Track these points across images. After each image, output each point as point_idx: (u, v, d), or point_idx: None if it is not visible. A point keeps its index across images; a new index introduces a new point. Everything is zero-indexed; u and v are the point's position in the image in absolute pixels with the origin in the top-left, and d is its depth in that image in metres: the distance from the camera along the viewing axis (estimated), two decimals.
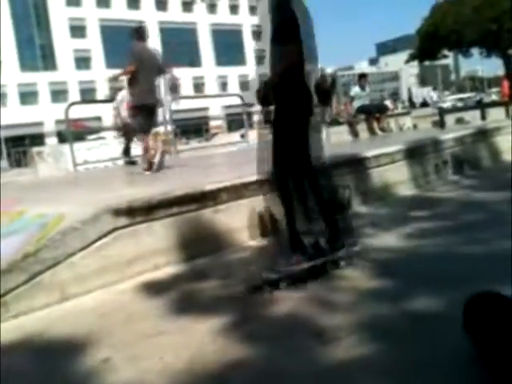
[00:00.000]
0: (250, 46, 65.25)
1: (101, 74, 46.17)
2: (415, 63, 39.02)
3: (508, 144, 6.91)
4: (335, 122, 9.96)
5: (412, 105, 26.83)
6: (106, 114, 15.64)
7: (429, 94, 36.83)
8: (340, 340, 2.06)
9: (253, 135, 15.76)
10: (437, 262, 2.98)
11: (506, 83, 23.95)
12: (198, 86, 60.12)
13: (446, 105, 26.44)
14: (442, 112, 11.35)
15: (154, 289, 2.93)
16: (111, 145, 12.04)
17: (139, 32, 6.43)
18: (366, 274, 2.85)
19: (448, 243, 3.31)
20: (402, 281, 2.69)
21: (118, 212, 3.22)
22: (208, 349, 2.09)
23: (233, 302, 2.63)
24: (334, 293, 2.61)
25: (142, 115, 6.13)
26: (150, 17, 55.22)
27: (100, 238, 3.13)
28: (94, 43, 50.89)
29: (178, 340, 2.20)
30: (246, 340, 2.15)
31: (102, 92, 47.14)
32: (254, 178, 4.00)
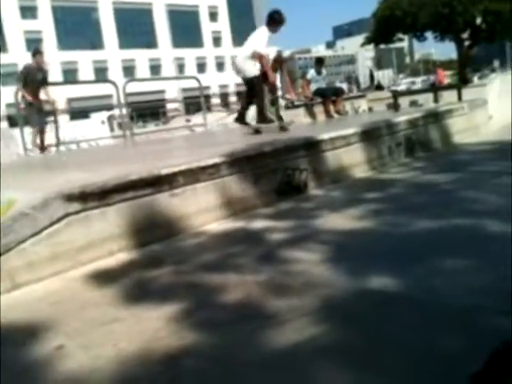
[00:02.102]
0: (207, 27, 64.36)
1: (53, 56, 44.69)
2: (371, 46, 39.47)
3: (458, 126, 7.13)
4: (292, 105, 9.99)
5: (380, 87, 27.19)
6: (58, 97, 15.19)
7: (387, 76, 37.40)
8: (291, 321, 2.08)
9: (211, 118, 15.67)
10: (389, 241, 3.06)
11: (440, 71, 25.25)
12: (155, 68, 59.07)
13: (401, 87, 26.90)
14: (396, 95, 11.57)
15: (107, 276, 2.89)
16: (63, 129, 11.74)
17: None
18: (318, 255, 2.89)
19: (400, 223, 3.39)
20: (355, 261, 2.75)
21: (70, 197, 3.14)
22: (161, 335, 2.08)
23: (187, 288, 2.63)
24: (288, 277, 2.64)
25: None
26: None
27: (51, 225, 3.04)
28: (45, 24, 49.16)
29: (132, 327, 2.18)
30: (200, 325, 2.15)
31: (56, 74, 45.64)
32: (211, 161, 3.98)
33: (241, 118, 7.29)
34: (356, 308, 2.17)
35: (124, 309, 2.40)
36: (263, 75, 6.75)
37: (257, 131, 6.94)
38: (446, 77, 34.42)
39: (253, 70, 6.72)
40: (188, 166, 3.82)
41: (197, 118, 15.79)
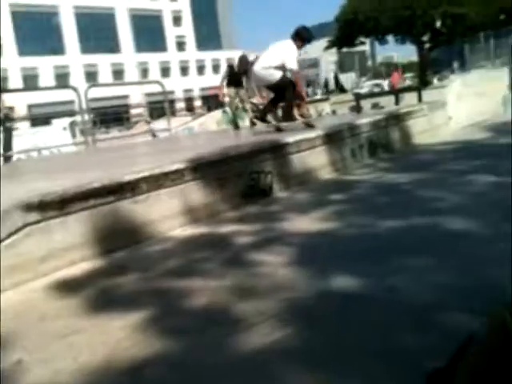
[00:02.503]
0: (170, 31, 63.98)
1: (12, 62, 43.66)
2: (334, 50, 39.98)
3: (419, 127, 7.27)
4: (257, 109, 10.02)
5: (342, 89, 27.57)
6: (19, 103, 14.84)
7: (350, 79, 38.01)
8: (258, 325, 2.07)
9: (175, 123, 15.57)
10: (353, 242, 3.09)
11: (396, 74, 26.18)
12: (118, 73, 58.33)
13: (363, 90, 27.34)
14: (359, 98, 11.74)
15: (69, 286, 2.82)
16: (23, 136, 11.45)
17: None
18: (284, 258, 2.89)
19: (364, 223, 3.43)
20: (320, 263, 2.76)
21: (28, 207, 3.06)
22: (125, 345, 2.04)
23: (152, 295, 2.59)
24: (254, 280, 2.63)
25: None
26: (64, 2, 52.72)
27: (10, 235, 2.96)
28: (4, 30, 47.98)
29: (94, 338, 2.13)
30: (166, 333, 2.12)
31: (16, 80, 44.59)
32: (174, 166, 3.94)
33: (263, 117, 7.33)
34: (320, 310, 2.18)
35: (86, 319, 2.34)
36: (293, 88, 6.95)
37: (278, 129, 6.93)
38: (403, 80, 35.16)
39: (278, 75, 6.78)
40: (151, 172, 3.77)
41: (161, 123, 15.65)
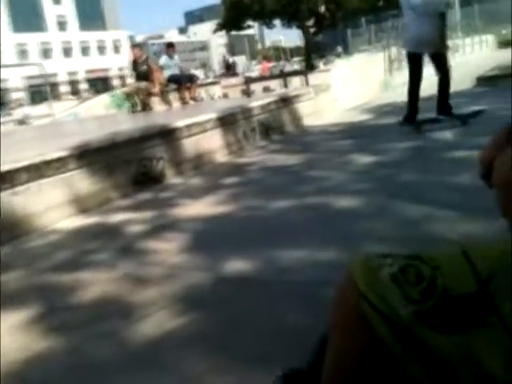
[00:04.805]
0: (50, 10, 60.05)
1: None
2: (223, 33, 39.95)
3: (306, 110, 7.51)
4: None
5: (234, 74, 27.64)
6: None
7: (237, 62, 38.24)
8: (152, 315, 2.03)
9: (60, 107, 14.69)
10: (245, 225, 3.12)
11: (265, 63, 27.42)
12: None
13: (254, 74, 27.64)
14: (249, 81, 11.86)
15: None
16: None
17: None
18: (177, 245, 2.86)
19: (257, 206, 3.48)
20: (212, 248, 2.75)
21: None
22: (8, 346, 1.90)
23: (38, 292, 2.44)
24: (146, 269, 2.57)
25: None
26: None
27: None
28: None
29: None
30: (54, 330, 2.01)
31: None
32: (56, 154, 3.72)
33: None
34: (212, 295, 2.18)
35: None
36: None
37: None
38: (296, 63, 36.10)
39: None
40: (31, 160, 3.53)
41: (43, 108, 14.71)
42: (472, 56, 17.73)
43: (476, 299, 0.89)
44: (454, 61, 9.87)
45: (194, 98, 9.79)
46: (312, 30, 32.13)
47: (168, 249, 2.81)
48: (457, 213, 2.76)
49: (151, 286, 2.33)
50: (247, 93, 10.55)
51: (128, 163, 4.38)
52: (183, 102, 9.61)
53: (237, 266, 2.45)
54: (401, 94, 9.35)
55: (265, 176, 4.50)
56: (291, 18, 31.43)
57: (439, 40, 5.48)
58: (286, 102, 7.41)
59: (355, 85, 9.87)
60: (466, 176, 3.19)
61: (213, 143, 5.62)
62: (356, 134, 6.03)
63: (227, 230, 3.07)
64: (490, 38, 22.93)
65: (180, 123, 5.26)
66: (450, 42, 6.40)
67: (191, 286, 2.28)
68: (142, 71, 9.43)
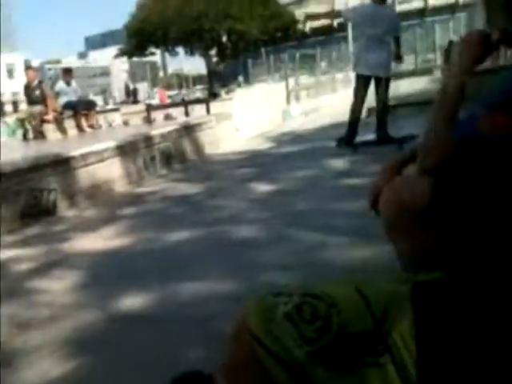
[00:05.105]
0: None
1: None
2: (125, 59, 39.40)
3: (208, 138, 7.53)
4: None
5: (136, 101, 27.17)
6: None
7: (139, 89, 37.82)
8: (34, 363, 1.87)
9: None
10: (141, 259, 3.00)
11: (161, 92, 27.99)
12: None
13: (156, 101, 27.40)
14: (150, 108, 11.73)
15: None
16: None
17: None
18: (67, 283, 2.68)
19: (154, 238, 3.38)
20: (106, 285, 2.61)
21: None
22: None
23: None
24: (32, 311, 2.37)
25: None
26: None
27: None
28: None
29: None
30: None
31: None
32: None
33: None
34: (104, 336, 2.05)
35: None
36: None
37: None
38: (199, 91, 36.30)
39: None
40: None
41: None
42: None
43: (371, 337, 0.89)
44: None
45: (91, 126, 9.46)
46: (214, 59, 32.65)
47: (57, 288, 2.63)
48: (352, 238, 2.84)
49: (36, 330, 2.16)
50: (148, 120, 10.40)
51: (16, 195, 4.10)
52: (80, 129, 9.25)
53: (132, 302, 2.33)
54: (300, 124, 9.74)
55: (164, 206, 4.40)
56: (194, 47, 31.73)
57: (390, 64, 5.70)
58: (187, 130, 7.38)
59: (256, 114, 10.09)
60: (364, 202, 3.31)
61: (111, 173, 5.43)
62: (257, 163, 6.12)
63: (123, 264, 2.93)
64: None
65: (75, 152, 5.04)
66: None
67: (81, 328, 2.13)
68: (35, 96, 9.00)
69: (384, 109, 5.87)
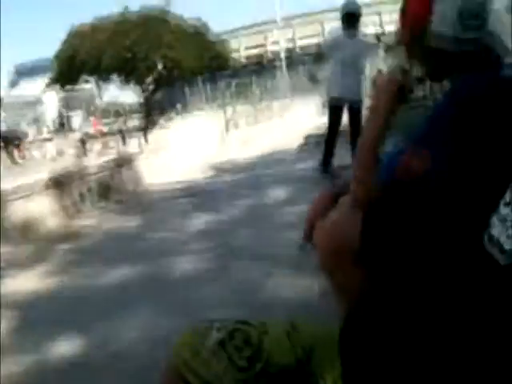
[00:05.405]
0: None
1: None
2: (58, 87, 38.35)
3: (146, 168, 7.43)
4: None
5: (70, 130, 26.49)
6: None
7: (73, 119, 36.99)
8: None
9: None
10: (76, 299, 2.86)
11: (96, 121, 27.89)
12: None
13: (91, 130, 26.84)
14: (86, 138, 11.50)
15: None
16: None
17: None
18: (2, 327, 2.54)
19: (89, 275, 3.26)
20: (37, 329, 2.48)
21: None
22: None
23: None
24: None
25: None
26: None
27: None
28: None
29: None
30: None
31: None
32: None
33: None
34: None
35: None
36: None
37: None
38: (137, 119, 35.88)
39: None
40: None
41: None
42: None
43: (295, 375, 0.91)
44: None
45: (23, 157, 9.16)
46: (151, 88, 32.45)
47: None
48: (296, 269, 2.82)
49: None
50: (83, 150, 10.19)
51: None
52: (13, 161, 8.93)
53: (62, 350, 2.21)
54: (239, 152, 9.82)
55: (101, 241, 4.27)
56: (129, 75, 31.41)
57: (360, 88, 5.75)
58: (124, 160, 7.26)
59: (195, 142, 10.08)
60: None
61: (45, 206, 5.23)
62: (196, 192, 6.08)
63: (54, 307, 2.78)
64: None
65: (6, 185, 4.84)
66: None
67: (9, 375, 2.01)
68: None
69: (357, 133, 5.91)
